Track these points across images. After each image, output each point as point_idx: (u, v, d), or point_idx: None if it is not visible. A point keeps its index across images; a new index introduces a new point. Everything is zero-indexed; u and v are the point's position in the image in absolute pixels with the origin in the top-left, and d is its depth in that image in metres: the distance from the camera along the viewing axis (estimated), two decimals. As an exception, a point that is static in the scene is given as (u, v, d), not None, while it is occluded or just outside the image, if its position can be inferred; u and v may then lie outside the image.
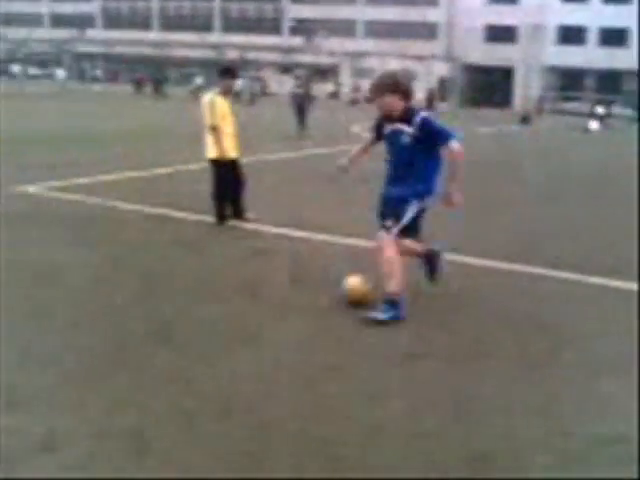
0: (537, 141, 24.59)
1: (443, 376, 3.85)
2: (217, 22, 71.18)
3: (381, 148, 4.95)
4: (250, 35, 67.70)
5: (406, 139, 4.63)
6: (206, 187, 7.67)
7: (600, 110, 34.86)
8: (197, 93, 34.41)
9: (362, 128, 20.47)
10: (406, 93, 4.66)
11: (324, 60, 64.52)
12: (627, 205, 9.70)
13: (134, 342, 4.17)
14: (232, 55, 63.42)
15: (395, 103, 4.64)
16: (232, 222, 7.53)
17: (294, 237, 7.15)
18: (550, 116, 45.31)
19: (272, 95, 53.21)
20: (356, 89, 52.54)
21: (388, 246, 4.64)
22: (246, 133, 9.02)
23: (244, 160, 7.96)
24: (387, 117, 4.76)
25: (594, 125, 31.82)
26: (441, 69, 61.18)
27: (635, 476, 2.89)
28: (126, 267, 5.84)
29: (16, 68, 59.65)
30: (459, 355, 4.14)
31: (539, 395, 3.63)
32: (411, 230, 4.79)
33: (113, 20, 74.58)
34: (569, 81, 58.10)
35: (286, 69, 58.05)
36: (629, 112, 46.02)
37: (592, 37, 57.67)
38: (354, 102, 48.70)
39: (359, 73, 59.55)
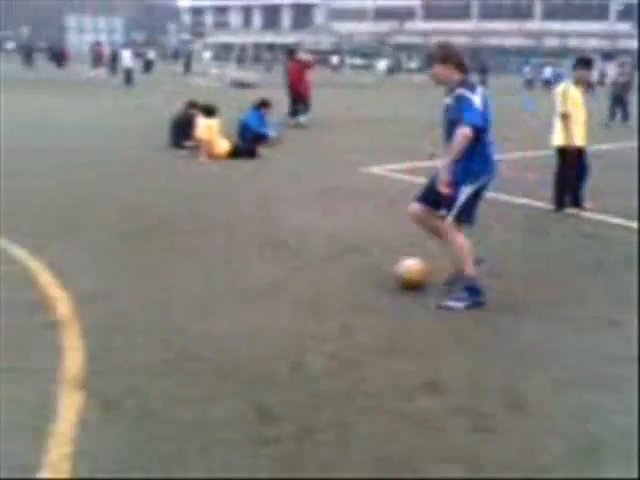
0: None
1: None
2: (538, 9, 69.16)
3: None
4: (572, 22, 64.57)
5: None
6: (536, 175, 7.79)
7: None
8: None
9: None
10: None
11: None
12: None
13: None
14: (551, 43, 61.06)
15: None
16: (570, 210, 7.55)
17: (629, 227, 6.97)
18: None
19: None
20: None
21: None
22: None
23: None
24: None
25: None
26: None
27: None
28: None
29: (335, 59, 64.25)
30: None
31: None
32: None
33: (433, 11, 76.51)
34: None
35: (609, 56, 54.30)
36: None
37: None
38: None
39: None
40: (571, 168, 7.46)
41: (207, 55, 71.95)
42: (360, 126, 16.40)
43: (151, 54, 41.66)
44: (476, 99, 4.47)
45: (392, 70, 58.88)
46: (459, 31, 71.55)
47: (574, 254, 6.10)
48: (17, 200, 7.33)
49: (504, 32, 68.43)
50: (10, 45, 73.14)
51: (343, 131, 15.30)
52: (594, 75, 49.96)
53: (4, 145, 10.82)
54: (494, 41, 68.83)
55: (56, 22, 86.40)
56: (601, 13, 64.68)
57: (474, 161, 4.52)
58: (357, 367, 3.68)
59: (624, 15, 62.59)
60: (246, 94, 21.40)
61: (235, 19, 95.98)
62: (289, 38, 70.77)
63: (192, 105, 11.78)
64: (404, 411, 3.24)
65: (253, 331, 4.12)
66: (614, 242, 6.50)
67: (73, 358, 3.67)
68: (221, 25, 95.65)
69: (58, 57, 29.97)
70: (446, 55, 4.61)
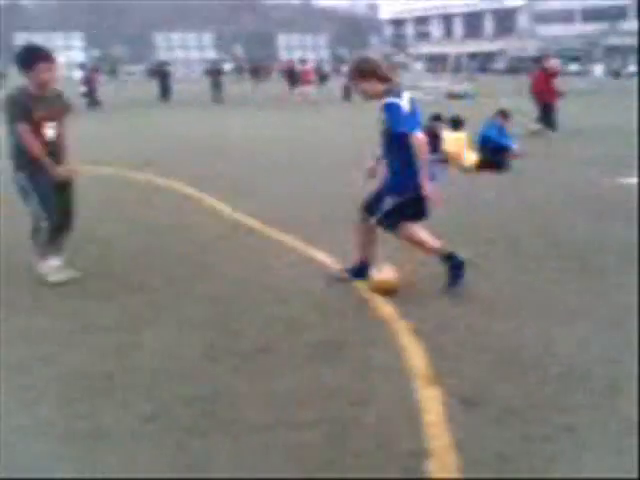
0: None
1: None
2: None
3: None
4: None
5: None
6: None
7: None
8: None
9: None
10: None
11: None
12: None
13: None
14: None
15: None
16: None
17: None
18: None
19: None
20: None
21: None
22: None
23: None
24: None
25: None
26: None
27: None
28: None
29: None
30: None
31: None
32: None
33: (649, 9, 71.14)
34: None
35: None
36: None
37: None
38: None
39: None
40: None
41: (418, 67, 72.20)
42: (598, 134, 15.79)
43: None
44: (404, 104, 4.56)
45: (618, 74, 56.18)
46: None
47: None
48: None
49: None
50: (227, 66, 78.89)
51: (584, 139, 14.86)
52: None
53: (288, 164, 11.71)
54: None
55: (269, 41, 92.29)
56: None
57: (402, 175, 4.65)
58: None
59: None
60: (461, 105, 21.33)
61: (436, 29, 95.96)
62: (492, 46, 69.42)
63: (436, 118, 11.97)
64: None
65: None
66: None
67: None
68: (422, 35, 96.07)
69: (290, 75, 32.08)
70: (365, 69, 4.64)
